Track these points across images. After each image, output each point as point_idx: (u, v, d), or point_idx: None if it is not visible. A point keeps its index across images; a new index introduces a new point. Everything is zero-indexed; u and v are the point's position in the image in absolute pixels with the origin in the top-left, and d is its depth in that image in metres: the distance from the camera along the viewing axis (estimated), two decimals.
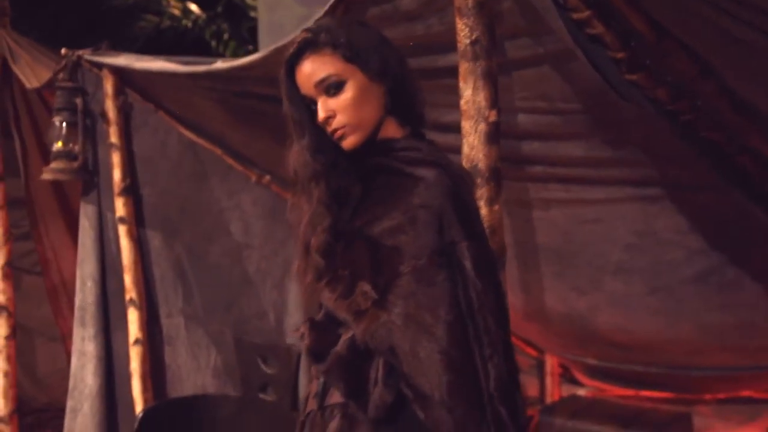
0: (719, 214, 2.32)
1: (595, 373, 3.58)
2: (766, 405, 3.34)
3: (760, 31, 1.55)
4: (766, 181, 2.09)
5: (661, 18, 1.70)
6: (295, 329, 1.85)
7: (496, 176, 1.55)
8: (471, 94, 1.51)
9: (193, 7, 5.63)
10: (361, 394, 1.51)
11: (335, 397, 1.56)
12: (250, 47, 5.31)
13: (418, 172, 1.55)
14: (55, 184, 3.84)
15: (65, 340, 4.03)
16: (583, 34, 1.76)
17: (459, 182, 1.59)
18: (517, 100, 2.09)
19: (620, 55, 1.75)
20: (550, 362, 3.75)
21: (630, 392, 3.52)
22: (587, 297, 2.86)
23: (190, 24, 5.47)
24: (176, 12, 5.58)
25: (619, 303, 2.83)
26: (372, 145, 1.59)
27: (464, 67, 1.53)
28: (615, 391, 3.57)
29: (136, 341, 3.11)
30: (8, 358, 3.60)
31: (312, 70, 1.53)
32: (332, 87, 1.53)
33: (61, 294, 3.99)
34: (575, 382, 3.77)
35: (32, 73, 3.34)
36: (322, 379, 1.57)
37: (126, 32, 5.46)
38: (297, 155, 1.61)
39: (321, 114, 1.52)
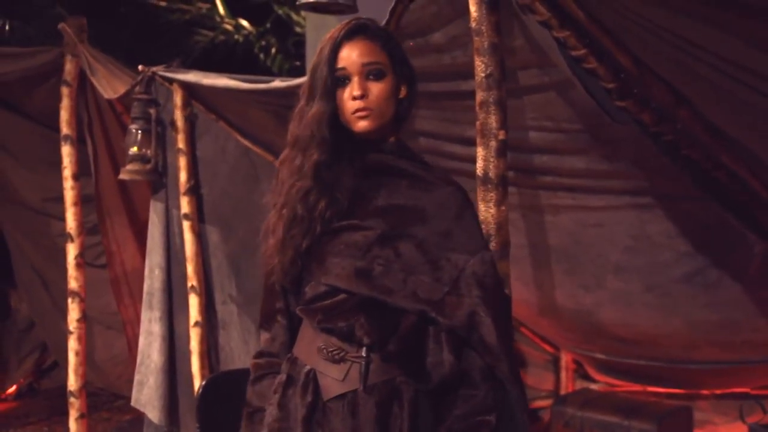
0: (701, 221, 2.46)
1: (604, 368, 3.75)
2: (762, 401, 3.30)
3: (718, 70, 1.76)
4: (738, 193, 2.20)
5: (641, 56, 1.90)
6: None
7: (503, 183, 1.80)
8: (484, 117, 1.78)
9: (244, 22, 5.85)
10: (420, 370, 1.61)
11: (379, 375, 1.59)
12: (297, 63, 5.59)
13: (439, 180, 1.71)
14: (121, 185, 4.02)
15: (125, 325, 4.22)
16: (581, 68, 1.91)
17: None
18: (528, 119, 2.30)
19: (611, 85, 1.91)
20: (565, 358, 3.93)
21: (638, 388, 3.69)
22: (592, 294, 2.99)
23: (241, 39, 5.75)
24: (229, 27, 5.77)
25: (620, 299, 2.97)
26: (382, 141, 1.68)
27: (480, 95, 1.80)
28: (624, 387, 3.73)
29: (196, 323, 3.33)
30: (79, 339, 3.81)
31: (365, 50, 1.62)
32: (375, 73, 1.62)
33: (123, 284, 4.18)
34: (588, 378, 3.92)
35: (108, 84, 3.58)
36: (363, 362, 1.58)
37: (182, 46, 5.72)
38: (305, 119, 1.64)
39: (357, 90, 1.60)
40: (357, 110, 1.62)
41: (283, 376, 1.69)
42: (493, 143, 1.82)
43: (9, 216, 4.93)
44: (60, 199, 4.60)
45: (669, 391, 3.60)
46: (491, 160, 1.82)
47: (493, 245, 1.82)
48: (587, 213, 2.65)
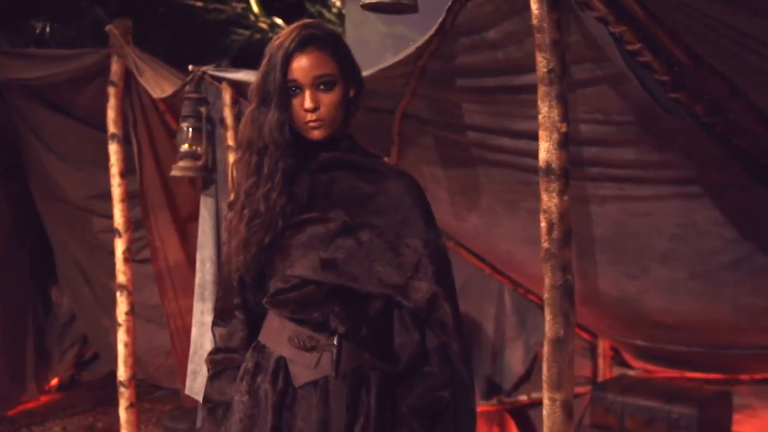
0: (748, 208, 2.47)
1: (642, 354, 3.79)
2: None
3: None
4: None
5: (697, 50, 1.94)
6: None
7: (565, 174, 1.86)
8: (547, 110, 1.83)
9: (279, 21, 5.94)
10: (389, 353, 1.71)
11: (350, 362, 1.67)
12: None
13: (392, 172, 1.80)
14: (163, 182, 4.14)
15: (169, 318, 4.34)
16: (636, 62, 1.97)
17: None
18: (580, 113, 2.34)
19: (665, 78, 1.96)
20: (602, 345, 3.97)
21: (675, 373, 3.72)
22: (637, 282, 3.02)
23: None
24: (264, 26, 5.86)
25: (664, 287, 2.98)
26: (333, 139, 1.73)
27: (542, 90, 1.84)
28: (661, 373, 3.77)
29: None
30: (128, 331, 3.91)
31: (316, 63, 1.66)
32: (325, 83, 1.67)
33: (167, 277, 4.31)
34: (625, 365, 3.98)
35: (156, 84, 3.66)
36: (335, 350, 1.65)
37: (219, 45, 5.83)
38: (263, 124, 1.68)
39: (309, 103, 1.65)
40: (309, 121, 1.69)
41: (248, 364, 1.75)
42: (555, 135, 1.87)
43: (53, 213, 5.04)
44: (102, 196, 4.73)
45: (707, 376, 3.63)
46: (553, 151, 1.87)
47: (555, 234, 1.89)
48: (634, 203, 2.67)
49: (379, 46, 4.03)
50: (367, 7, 2.05)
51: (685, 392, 3.37)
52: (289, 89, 1.67)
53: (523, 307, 3.90)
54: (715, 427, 3.30)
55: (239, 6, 5.97)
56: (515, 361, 3.90)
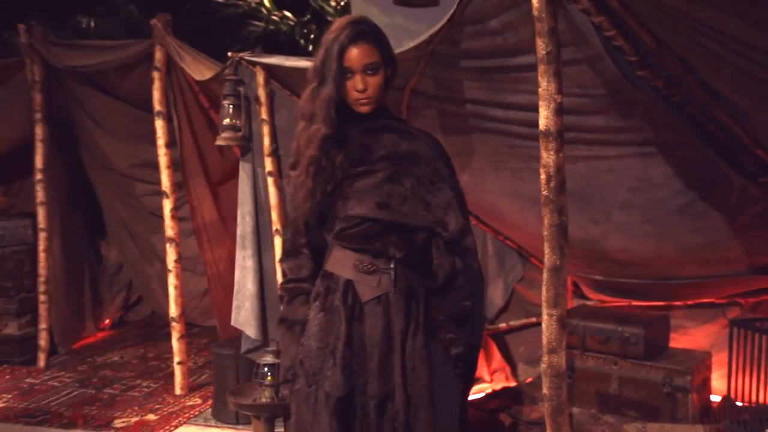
0: (694, 163, 2.54)
1: (599, 287, 3.83)
2: (723, 308, 3.52)
3: (720, 43, 1.89)
4: (725, 140, 2.34)
5: (660, 36, 2.03)
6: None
7: (560, 136, 1.95)
8: (546, 84, 1.92)
9: (288, 14, 5.94)
10: (430, 273, 1.85)
11: (404, 281, 1.80)
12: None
13: (421, 133, 1.92)
14: (199, 152, 4.19)
15: (206, 265, 4.35)
16: (610, 45, 2.08)
17: None
18: (562, 87, 2.43)
19: (634, 58, 2.08)
20: (567, 280, 4.13)
21: (625, 302, 3.78)
22: (600, 226, 3.09)
23: (285, 28, 5.81)
24: (276, 18, 5.86)
25: (623, 230, 3.05)
26: (376, 110, 1.83)
27: (542, 68, 1.93)
28: (613, 302, 3.83)
29: (281, 259, 3.49)
30: (177, 276, 3.99)
31: (364, 53, 1.77)
32: (371, 69, 1.78)
33: (203, 232, 4.36)
34: (584, 297, 4.01)
35: (196, 69, 3.72)
36: (392, 272, 1.77)
37: (237, 35, 5.84)
38: (317, 99, 1.78)
39: (360, 86, 1.77)
40: (359, 99, 1.80)
41: (320, 288, 1.85)
42: (552, 105, 1.97)
43: (102, 179, 5.07)
44: (142, 165, 4.79)
45: (650, 303, 3.71)
46: (551, 118, 1.97)
47: (553, 184, 1.98)
48: (600, 161, 2.73)
49: None
50: (399, 2, 2.12)
51: (633, 317, 3.46)
52: (343, 74, 1.77)
53: (503, 251, 3.95)
54: (656, 343, 3.39)
55: (254, 1, 5.96)
56: (496, 295, 3.97)
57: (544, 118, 1.97)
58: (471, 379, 1.90)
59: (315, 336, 1.81)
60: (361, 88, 1.77)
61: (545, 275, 2.02)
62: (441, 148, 1.92)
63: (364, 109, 1.81)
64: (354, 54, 1.76)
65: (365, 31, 1.79)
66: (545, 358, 2.04)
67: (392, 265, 1.79)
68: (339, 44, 1.76)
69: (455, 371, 1.80)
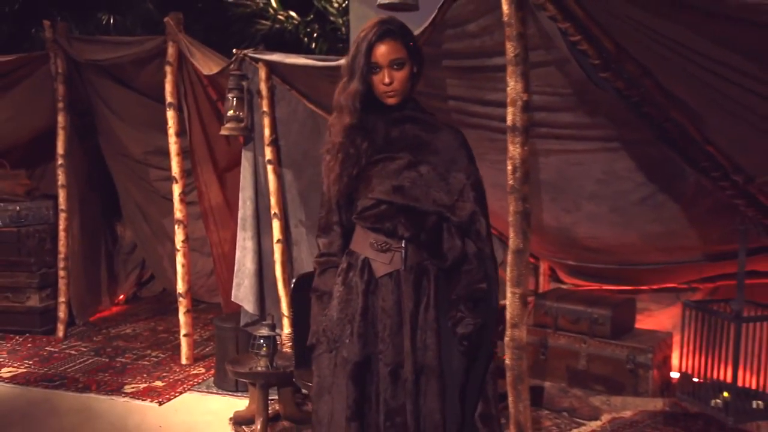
0: (654, 159, 2.60)
1: (572, 272, 3.90)
2: (679, 293, 3.60)
3: (674, 51, 1.94)
4: (680, 137, 2.37)
5: (620, 41, 2.09)
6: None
7: (526, 131, 2.03)
8: (514, 84, 2.00)
9: (293, 14, 5.96)
10: (440, 253, 1.84)
11: (413, 258, 1.80)
12: (340, 45, 5.74)
13: (444, 125, 1.92)
14: (207, 141, 4.22)
15: (212, 246, 4.45)
16: (576, 49, 2.14)
17: None
18: (534, 87, 2.31)
19: (597, 61, 2.14)
20: (543, 265, 4.06)
21: (595, 286, 3.84)
22: (571, 215, 3.15)
23: (290, 27, 5.87)
24: (282, 18, 5.88)
25: (591, 219, 3.11)
26: (402, 102, 1.84)
27: (510, 69, 2.01)
28: (585, 286, 3.89)
29: (278, 241, 3.47)
30: (184, 255, 4.02)
31: (391, 50, 1.78)
32: (397, 64, 1.79)
33: (210, 215, 4.42)
34: (559, 280, 4.08)
35: (204, 64, 3.75)
36: (403, 250, 1.78)
37: (246, 33, 5.88)
38: (345, 92, 1.81)
39: (387, 79, 1.78)
40: (386, 92, 1.81)
41: (343, 264, 1.88)
42: (519, 103, 2.05)
43: (118, 164, 5.12)
44: (155, 152, 4.81)
45: (619, 287, 3.76)
46: (518, 114, 2.05)
47: (518, 174, 2.06)
48: (570, 155, 2.79)
49: None
50: (384, 7, 2.18)
51: (602, 299, 3.51)
52: (371, 69, 1.80)
53: None
54: (622, 324, 3.44)
55: (261, 1, 6.00)
56: None
57: (512, 114, 2.04)
58: (481, 356, 1.88)
59: (336, 308, 1.86)
60: (387, 82, 1.79)
61: (509, 257, 2.09)
62: (463, 140, 1.92)
63: (392, 101, 1.83)
64: (381, 50, 1.79)
65: (391, 30, 1.81)
66: (508, 332, 2.11)
67: (403, 244, 1.81)
68: (367, 42, 1.79)
69: (460, 348, 1.81)
